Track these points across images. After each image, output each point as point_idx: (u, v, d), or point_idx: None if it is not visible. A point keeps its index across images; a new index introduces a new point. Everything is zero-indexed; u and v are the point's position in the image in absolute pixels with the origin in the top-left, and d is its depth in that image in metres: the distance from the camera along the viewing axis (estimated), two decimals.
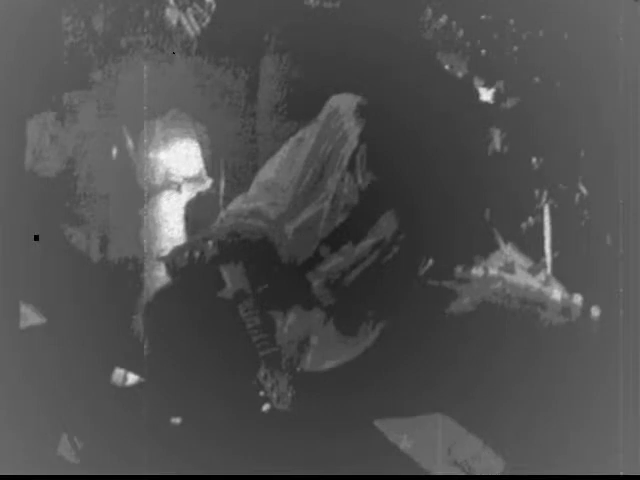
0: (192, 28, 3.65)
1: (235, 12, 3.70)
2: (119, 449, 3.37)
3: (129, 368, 3.48)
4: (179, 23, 3.64)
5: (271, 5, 3.71)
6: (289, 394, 3.40)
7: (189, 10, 3.64)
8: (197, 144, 3.64)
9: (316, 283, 3.44)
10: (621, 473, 3.33)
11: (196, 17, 3.66)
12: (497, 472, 3.38)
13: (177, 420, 3.46)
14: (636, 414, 3.30)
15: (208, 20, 3.67)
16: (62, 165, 3.56)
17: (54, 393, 3.35)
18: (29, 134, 3.56)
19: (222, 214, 3.56)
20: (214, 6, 3.68)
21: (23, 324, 3.39)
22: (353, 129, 3.59)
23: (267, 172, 3.59)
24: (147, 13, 3.60)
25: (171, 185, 3.60)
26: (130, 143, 3.54)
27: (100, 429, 3.38)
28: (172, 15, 3.62)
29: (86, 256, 3.54)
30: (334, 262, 3.47)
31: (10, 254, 3.37)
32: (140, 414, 3.42)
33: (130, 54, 3.59)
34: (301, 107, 3.69)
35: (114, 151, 3.56)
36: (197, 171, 3.63)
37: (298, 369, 3.42)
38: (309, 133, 3.59)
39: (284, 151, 3.61)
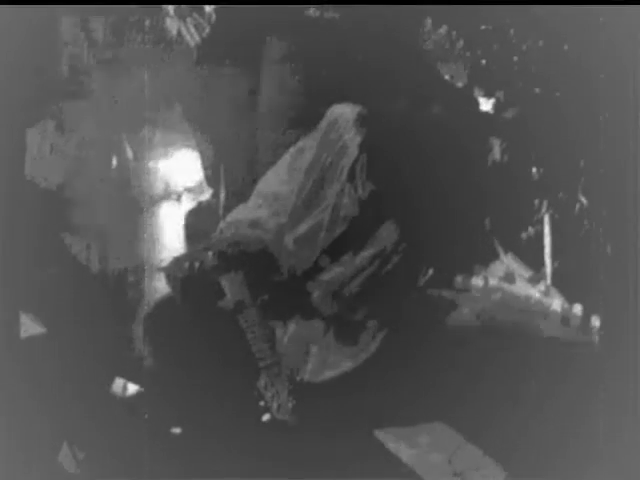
0: (192, 38, 3.65)
1: (235, 22, 3.70)
2: (119, 459, 3.37)
3: (129, 378, 3.47)
4: (179, 33, 3.64)
5: (271, 15, 3.71)
6: (289, 404, 3.39)
7: (189, 20, 3.63)
8: (197, 154, 3.64)
9: (316, 293, 3.44)
10: None
11: (196, 27, 3.66)
12: None
13: (177, 430, 3.46)
14: (636, 424, 3.30)
15: (208, 30, 3.67)
16: (62, 174, 3.56)
17: (54, 403, 3.35)
18: (29, 143, 3.56)
19: (222, 224, 3.56)
20: (214, 16, 3.68)
21: (23, 334, 3.39)
22: (353, 139, 3.59)
23: (267, 182, 3.59)
24: (147, 23, 3.60)
25: (171, 195, 3.60)
26: (130, 153, 3.54)
27: (100, 439, 3.38)
28: (172, 25, 3.62)
29: (86, 266, 3.54)
30: (334, 272, 3.46)
31: (10, 263, 3.36)
32: (140, 424, 3.42)
33: (130, 64, 3.59)
34: (302, 117, 3.68)
35: (114, 161, 3.55)
36: (197, 181, 3.63)
37: (298, 379, 3.42)
38: (310, 143, 3.59)
39: (285, 161, 3.61)
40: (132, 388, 3.45)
